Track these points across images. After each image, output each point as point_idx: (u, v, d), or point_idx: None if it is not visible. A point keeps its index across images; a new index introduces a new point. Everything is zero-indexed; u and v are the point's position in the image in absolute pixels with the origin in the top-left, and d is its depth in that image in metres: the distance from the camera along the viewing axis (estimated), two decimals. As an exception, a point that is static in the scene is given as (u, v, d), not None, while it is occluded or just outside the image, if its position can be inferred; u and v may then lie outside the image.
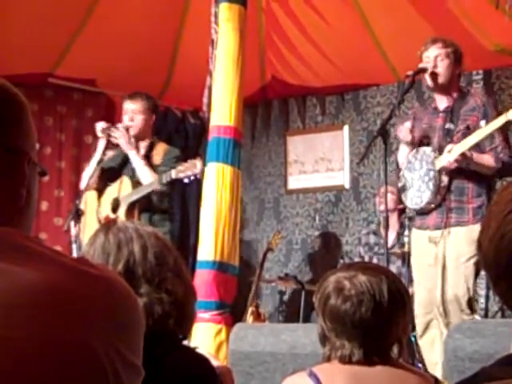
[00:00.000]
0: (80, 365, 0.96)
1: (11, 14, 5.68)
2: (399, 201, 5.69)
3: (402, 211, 5.75)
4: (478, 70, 6.17)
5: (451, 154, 4.14)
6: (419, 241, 4.38)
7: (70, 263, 1.01)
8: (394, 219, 5.56)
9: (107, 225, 1.97)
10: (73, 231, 5.57)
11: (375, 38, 6.04)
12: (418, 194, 4.33)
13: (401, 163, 4.54)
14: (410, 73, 4.31)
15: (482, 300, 5.73)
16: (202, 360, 1.91)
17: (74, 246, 5.56)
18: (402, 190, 4.45)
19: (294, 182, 7.28)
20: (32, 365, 0.93)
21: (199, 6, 5.69)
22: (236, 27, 4.49)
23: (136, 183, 4.81)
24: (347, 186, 6.96)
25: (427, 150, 4.34)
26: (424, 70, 4.27)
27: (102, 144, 5.00)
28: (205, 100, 4.89)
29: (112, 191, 4.96)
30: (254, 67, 6.38)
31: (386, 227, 4.32)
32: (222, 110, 4.42)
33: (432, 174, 4.27)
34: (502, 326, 2.82)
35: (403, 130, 4.46)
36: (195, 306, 1.99)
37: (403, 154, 4.49)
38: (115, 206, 4.89)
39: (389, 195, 5.64)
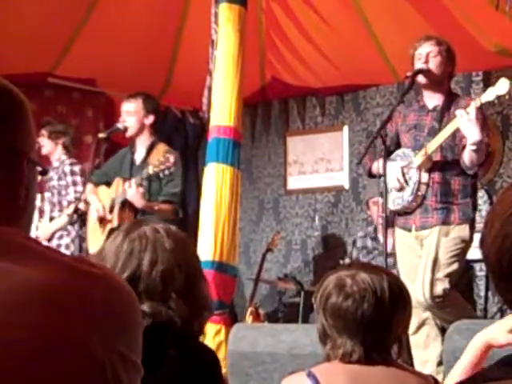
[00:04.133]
0: (79, 363, 0.96)
1: (11, 13, 5.69)
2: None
3: None
4: (478, 71, 6.17)
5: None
6: (403, 239, 4.36)
7: (70, 262, 1.01)
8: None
9: (132, 226, 1.96)
10: (73, 232, 5.59)
11: (375, 38, 6.04)
12: (399, 195, 4.32)
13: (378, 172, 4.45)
14: (409, 74, 4.30)
15: (482, 301, 5.73)
16: (209, 351, 1.93)
17: (73, 246, 5.57)
18: (382, 196, 4.39)
19: (294, 182, 7.28)
20: (32, 364, 0.93)
21: (199, 6, 5.69)
22: (236, 28, 4.49)
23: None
24: (347, 186, 6.96)
25: (406, 150, 4.34)
26: (423, 71, 4.27)
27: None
28: (204, 100, 4.89)
29: (109, 193, 5.01)
30: (253, 68, 6.38)
31: (386, 228, 4.29)
32: (222, 111, 4.43)
33: (412, 172, 4.27)
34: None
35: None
36: (204, 317, 1.97)
37: (378, 165, 4.41)
38: (112, 207, 4.93)
39: (380, 201, 5.64)
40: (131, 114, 5.00)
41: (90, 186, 5.17)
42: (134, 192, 4.72)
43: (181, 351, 1.85)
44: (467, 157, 4.10)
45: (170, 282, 1.87)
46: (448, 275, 4.14)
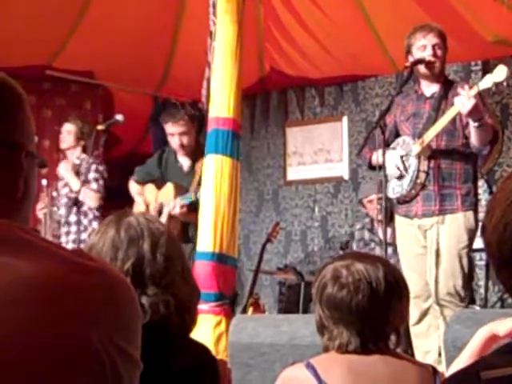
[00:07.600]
0: (78, 359, 0.95)
1: (9, 6, 5.67)
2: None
3: None
4: (477, 60, 6.17)
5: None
6: (405, 228, 4.36)
7: (68, 256, 1.01)
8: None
9: (119, 217, 1.94)
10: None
11: (374, 29, 6.04)
12: (398, 183, 4.31)
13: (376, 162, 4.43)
14: (408, 64, 4.30)
15: (482, 290, 5.73)
16: (204, 351, 1.92)
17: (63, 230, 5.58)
18: (381, 186, 4.35)
19: (293, 173, 7.28)
20: (31, 359, 0.93)
21: (197, -3, 5.67)
22: (234, 19, 4.48)
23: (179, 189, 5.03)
24: (346, 177, 6.96)
25: (406, 138, 4.33)
26: (422, 61, 4.25)
27: None
28: (203, 92, 4.88)
29: (158, 196, 5.08)
30: (252, 58, 6.37)
31: (385, 218, 4.29)
32: (221, 102, 4.41)
33: (411, 160, 4.26)
34: (501, 317, 2.82)
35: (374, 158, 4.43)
36: (197, 306, 1.99)
37: (378, 155, 4.39)
38: (159, 211, 5.00)
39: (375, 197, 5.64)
40: (185, 134, 5.14)
41: (136, 186, 5.21)
42: (177, 212, 5.01)
43: (176, 350, 1.85)
44: (474, 136, 4.06)
45: (172, 265, 1.88)
46: (461, 270, 4.13)
